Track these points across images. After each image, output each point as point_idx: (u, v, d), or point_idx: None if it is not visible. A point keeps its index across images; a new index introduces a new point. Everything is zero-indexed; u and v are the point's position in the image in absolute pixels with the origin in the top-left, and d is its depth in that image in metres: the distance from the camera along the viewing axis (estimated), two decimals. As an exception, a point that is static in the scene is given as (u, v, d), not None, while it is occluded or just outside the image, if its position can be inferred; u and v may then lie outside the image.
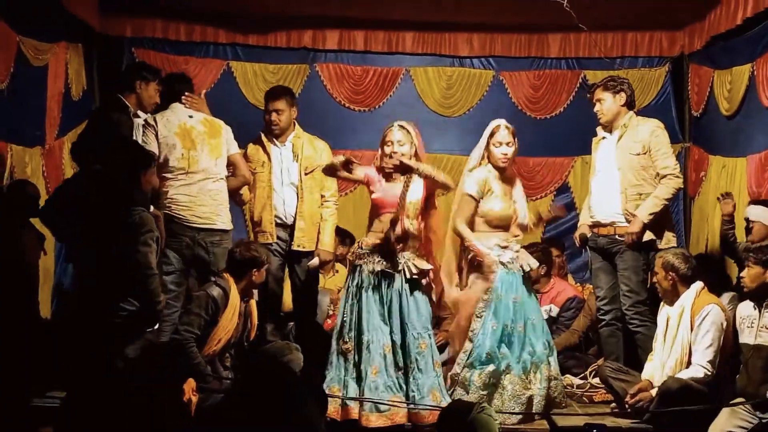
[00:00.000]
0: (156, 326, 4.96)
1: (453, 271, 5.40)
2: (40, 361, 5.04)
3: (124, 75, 6.00)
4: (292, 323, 6.35)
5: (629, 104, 5.72)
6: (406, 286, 5.11)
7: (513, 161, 5.45)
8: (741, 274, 4.98)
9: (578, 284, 7.39)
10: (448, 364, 5.44)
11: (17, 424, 4.65)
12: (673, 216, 6.48)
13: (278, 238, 5.89)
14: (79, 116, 6.65)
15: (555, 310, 6.74)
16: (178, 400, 4.58)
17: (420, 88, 7.91)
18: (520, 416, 5.15)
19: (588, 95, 5.94)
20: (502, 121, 5.40)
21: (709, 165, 7.10)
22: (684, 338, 5.04)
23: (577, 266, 7.68)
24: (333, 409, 4.97)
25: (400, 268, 5.11)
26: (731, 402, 4.77)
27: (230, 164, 5.66)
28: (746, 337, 4.88)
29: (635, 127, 5.65)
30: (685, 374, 4.96)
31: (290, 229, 5.90)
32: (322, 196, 5.99)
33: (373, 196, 5.23)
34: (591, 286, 6.54)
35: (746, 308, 4.94)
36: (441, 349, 5.64)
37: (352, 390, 5.04)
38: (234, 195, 5.76)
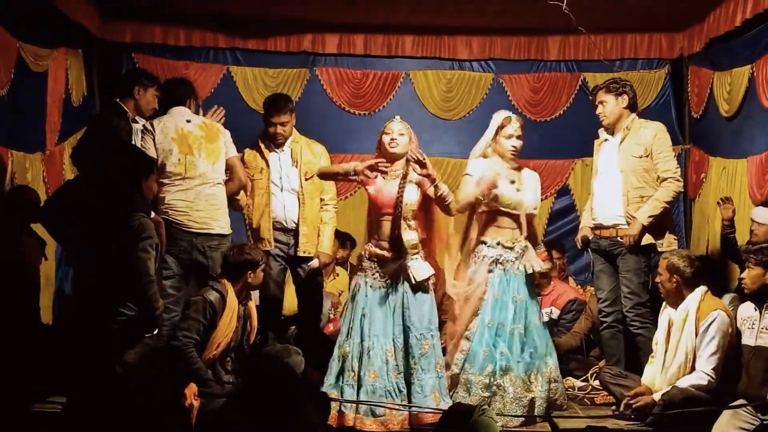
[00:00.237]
0: (155, 331, 4.98)
1: (455, 268, 5.37)
2: (41, 365, 5.03)
3: (123, 81, 6.02)
4: (293, 327, 6.35)
5: (632, 106, 5.71)
6: (410, 290, 5.11)
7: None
8: (741, 276, 4.96)
9: (579, 286, 7.38)
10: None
11: (18, 429, 4.65)
12: (674, 217, 6.47)
13: (279, 242, 5.88)
14: (80, 122, 6.67)
15: (556, 313, 6.74)
16: (178, 405, 4.58)
17: (420, 91, 7.92)
18: (521, 419, 5.15)
19: (590, 97, 5.94)
20: (511, 113, 5.39)
21: (709, 166, 7.10)
22: (688, 344, 4.97)
23: (578, 268, 7.67)
24: (330, 415, 4.96)
25: (404, 276, 5.10)
26: (732, 404, 4.74)
27: (227, 168, 5.64)
28: (747, 339, 4.86)
29: (638, 130, 5.63)
30: (688, 381, 4.90)
31: (292, 233, 5.90)
32: (322, 200, 6.00)
33: (370, 192, 5.22)
34: (592, 289, 6.54)
35: (747, 309, 4.92)
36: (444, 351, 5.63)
37: (349, 396, 5.03)
38: (231, 201, 5.73)
